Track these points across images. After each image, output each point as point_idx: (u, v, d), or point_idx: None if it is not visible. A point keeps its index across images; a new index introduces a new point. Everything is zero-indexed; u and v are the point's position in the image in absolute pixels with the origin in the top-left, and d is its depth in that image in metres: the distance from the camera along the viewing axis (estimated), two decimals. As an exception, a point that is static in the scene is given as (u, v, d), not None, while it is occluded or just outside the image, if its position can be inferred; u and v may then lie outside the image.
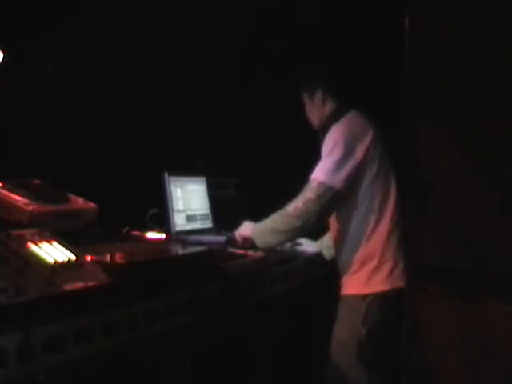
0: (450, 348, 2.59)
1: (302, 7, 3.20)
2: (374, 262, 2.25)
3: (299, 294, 2.46)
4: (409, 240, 2.33)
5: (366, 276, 2.24)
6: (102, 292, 1.55)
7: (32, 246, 1.59)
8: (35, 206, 2.01)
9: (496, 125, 2.48)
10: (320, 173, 2.20)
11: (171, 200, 2.62)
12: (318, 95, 2.40)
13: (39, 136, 2.62)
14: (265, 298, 2.22)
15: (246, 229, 2.37)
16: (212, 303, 1.89)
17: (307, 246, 2.63)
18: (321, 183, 2.18)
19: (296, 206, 2.20)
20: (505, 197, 2.47)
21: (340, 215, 2.31)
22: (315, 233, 2.55)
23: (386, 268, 2.25)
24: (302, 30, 3.19)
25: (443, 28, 2.62)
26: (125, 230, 2.53)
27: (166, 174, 2.62)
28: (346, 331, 2.26)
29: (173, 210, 2.62)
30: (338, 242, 2.34)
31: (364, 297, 2.24)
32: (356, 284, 2.26)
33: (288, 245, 2.50)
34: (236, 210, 2.93)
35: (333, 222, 2.39)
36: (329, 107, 2.40)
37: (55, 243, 1.66)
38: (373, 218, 2.25)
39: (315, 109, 2.43)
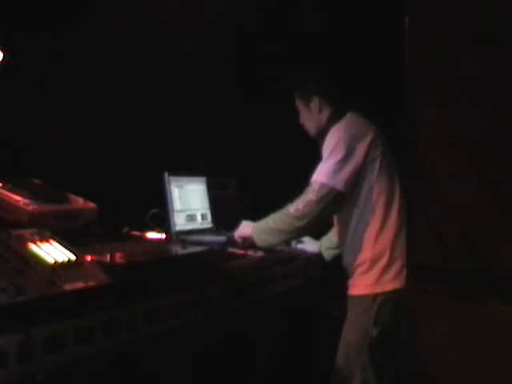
0: (449, 348, 2.59)
1: (302, 8, 3.20)
2: (384, 261, 2.24)
3: (299, 294, 2.46)
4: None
5: (376, 275, 2.23)
6: (102, 292, 1.55)
7: (32, 246, 1.59)
8: (35, 206, 2.00)
9: (496, 125, 2.48)
10: (321, 174, 2.20)
11: (171, 200, 2.62)
12: (315, 102, 2.37)
13: (39, 136, 2.62)
14: (265, 297, 2.22)
15: (245, 228, 2.37)
16: (212, 303, 1.89)
17: (308, 244, 2.63)
18: (322, 185, 2.18)
19: (297, 207, 2.19)
20: (505, 197, 2.47)
21: (345, 216, 2.30)
22: (316, 232, 2.54)
23: (396, 266, 2.25)
24: (302, 31, 3.19)
25: (443, 28, 2.62)
26: (125, 230, 2.53)
27: (166, 174, 2.62)
28: (356, 333, 2.24)
29: (173, 210, 2.62)
30: (346, 243, 2.33)
31: (375, 297, 2.22)
32: (366, 284, 2.25)
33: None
34: (236, 210, 2.93)
35: (338, 223, 2.38)
36: (326, 113, 2.37)
37: (55, 243, 1.66)
38: (379, 217, 2.24)
39: (312, 116, 2.39)
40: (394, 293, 2.24)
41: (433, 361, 2.63)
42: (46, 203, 2.08)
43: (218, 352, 2.12)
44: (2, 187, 2.06)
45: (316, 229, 2.39)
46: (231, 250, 2.36)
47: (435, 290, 2.63)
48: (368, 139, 2.24)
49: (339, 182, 2.18)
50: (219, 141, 3.28)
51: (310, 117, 2.41)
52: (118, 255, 1.82)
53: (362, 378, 2.21)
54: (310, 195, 2.18)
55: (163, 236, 2.57)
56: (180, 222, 2.65)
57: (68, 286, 1.48)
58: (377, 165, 2.25)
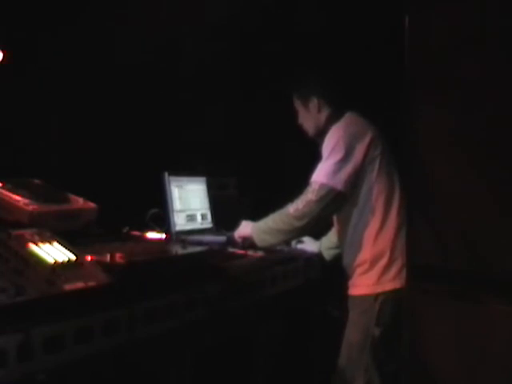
0: (449, 347, 2.60)
1: (302, 8, 3.20)
2: (384, 261, 2.23)
3: (299, 294, 2.46)
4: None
5: (377, 275, 2.23)
6: (102, 292, 1.55)
7: (32, 246, 1.59)
8: (35, 206, 2.00)
9: (496, 125, 2.48)
10: (321, 174, 2.20)
11: (171, 200, 2.62)
12: (314, 102, 2.36)
13: (39, 136, 2.62)
14: (265, 297, 2.22)
15: (245, 228, 2.37)
16: (212, 303, 1.89)
17: (308, 244, 2.62)
18: (322, 185, 2.17)
19: (297, 207, 2.19)
20: (505, 197, 2.47)
21: (345, 216, 2.30)
22: (316, 232, 2.54)
23: (396, 266, 2.24)
24: (302, 31, 3.19)
25: (443, 28, 2.62)
26: (125, 230, 2.53)
27: (166, 174, 2.62)
28: (358, 333, 2.23)
29: (173, 210, 2.62)
30: (346, 243, 2.33)
31: (376, 297, 2.22)
32: (367, 284, 2.25)
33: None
34: (236, 209, 2.93)
35: (338, 223, 2.38)
36: (325, 113, 2.36)
37: (55, 243, 1.66)
38: (379, 217, 2.24)
39: (311, 116, 2.38)
40: (394, 292, 2.24)
41: (433, 361, 2.64)
42: (46, 203, 2.08)
43: (218, 352, 2.12)
44: (2, 187, 2.06)
45: (316, 229, 2.39)
46: (231, 249, 2.36)
47: (435, 290, 2.64)
48: (367, 139, 2.24)
49: (339, 182, 2.18)
50: (219, 141, 3.28)
51: (308, 117, 2.40)
52: (118, 255, 1.82)
53: (365, 379, 2.21)
54: (309, 195, 2.18)
55: (163, 236, 2.57)
56: (180, 222, 2.65)
57: (68, 286, 1.48)
58: (376, 165, 2.25)
